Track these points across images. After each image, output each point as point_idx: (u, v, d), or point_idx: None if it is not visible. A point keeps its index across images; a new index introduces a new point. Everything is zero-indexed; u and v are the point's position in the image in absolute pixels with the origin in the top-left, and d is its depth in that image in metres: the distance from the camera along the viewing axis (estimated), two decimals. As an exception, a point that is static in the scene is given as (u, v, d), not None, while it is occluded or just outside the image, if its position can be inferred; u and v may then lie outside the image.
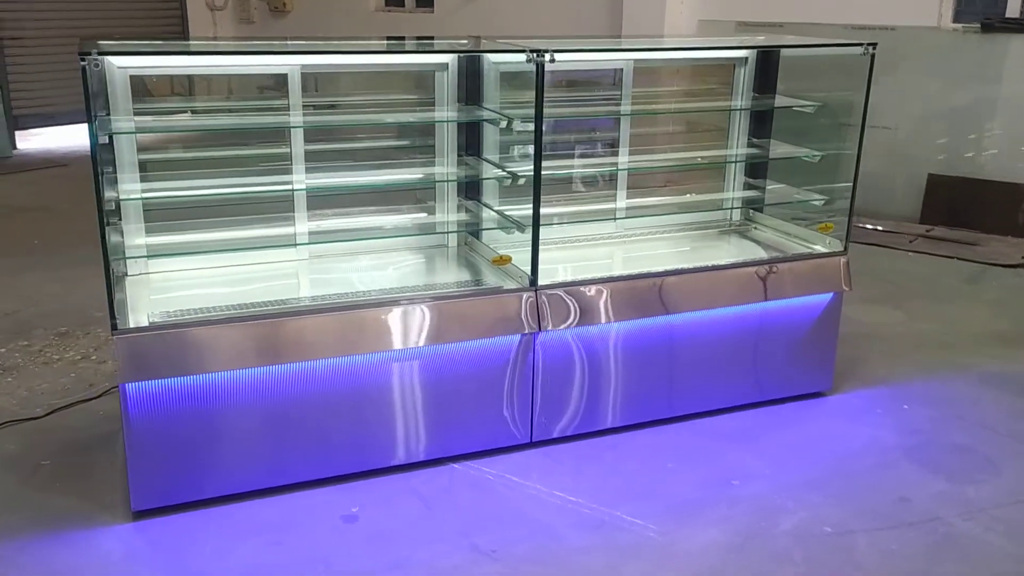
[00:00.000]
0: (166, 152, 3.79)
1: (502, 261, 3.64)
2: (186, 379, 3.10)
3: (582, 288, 3.59)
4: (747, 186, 4.54)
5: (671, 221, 4.50)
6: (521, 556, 3.00)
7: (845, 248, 4.05)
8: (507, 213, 3.79)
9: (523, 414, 3.62)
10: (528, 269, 3.52)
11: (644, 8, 8.34)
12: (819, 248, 4.13)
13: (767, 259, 4.04)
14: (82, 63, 2.73)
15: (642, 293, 3.68)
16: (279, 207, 3.77)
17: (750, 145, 4.46)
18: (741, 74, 4.37)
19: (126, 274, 3.59)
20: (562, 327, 3.56)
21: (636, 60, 4.15)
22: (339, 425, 3.36)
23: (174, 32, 11.69)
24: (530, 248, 3.49)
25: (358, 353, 3.31)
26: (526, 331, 3.50)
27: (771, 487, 3.43)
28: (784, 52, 4.35)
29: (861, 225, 7.27)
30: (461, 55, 3.83)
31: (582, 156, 4.37)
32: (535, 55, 3.29)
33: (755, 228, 4.51)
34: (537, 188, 3.45)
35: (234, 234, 3.71)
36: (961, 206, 7.20)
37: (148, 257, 3.60)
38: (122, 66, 3.34)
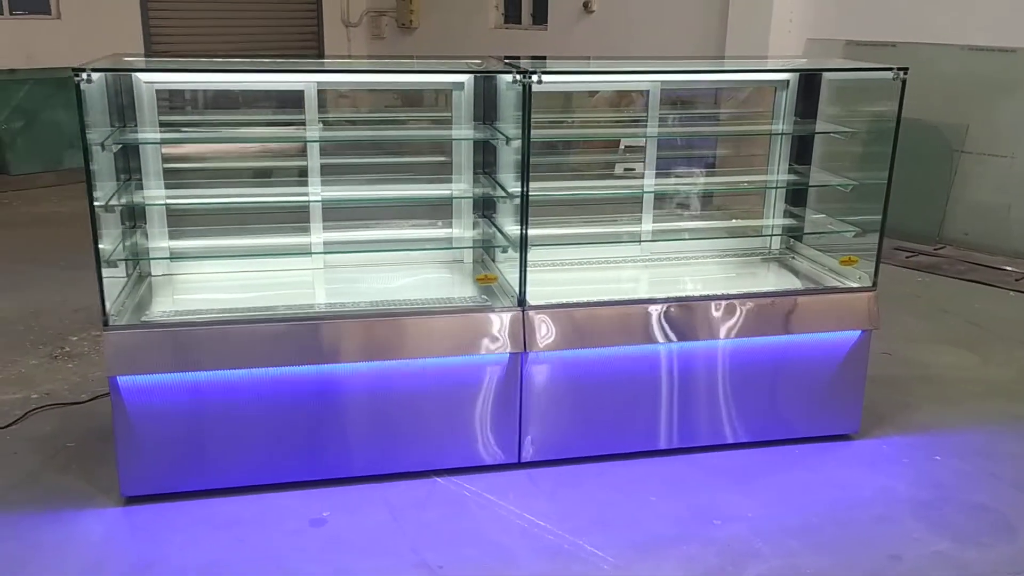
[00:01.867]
0: (192, 162, 4.02)
1: (486, 280, 3.65)
2: (175, 376, 3.29)
3: (573, 310, 3.55)
4: (787, 214, 4.34)
5: (705, 247, 4.37)
6: (465, 576, 3.01)
7: (874, 284, 3.81)
8: (510, 232, 3.80)
9: (510, 434, 3.61)
10: (517, 288, 3.51)
11: (749, 26, 8.09)
12: (850, 283, 3.91)
13: (785, 291, 3.85)
14: (76, 79, 2.95)
15: (638, 319, 3.59)
16: (300, 217, 3.94)
17: (790, 171, 4.28)
18: (782, 98, 4.20)
19: (150, 275, 3.85)
20: (550, 348, 3.53)
21: (663, 82, 4.06)
22: (326, 431, 3.46)
23: (310, 48, 12.31)
24: (518, 267, 3.49)
25: (349, 362, 3.40)
26: (511, 350, 3.49)
27: (752, 530, 3.27)
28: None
29: (967, 260, 6.78)
30: (476, 75, 3.87)
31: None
32: (521, 76, 3.30)
33: (793, 258, 4.31)
34: (525, 208, 3.44)
35: (252, 241, 3.91)
36: (1082, 244, 6.58)
37: (171, 259, 3.84)
38: (148, 81, 3.59)
